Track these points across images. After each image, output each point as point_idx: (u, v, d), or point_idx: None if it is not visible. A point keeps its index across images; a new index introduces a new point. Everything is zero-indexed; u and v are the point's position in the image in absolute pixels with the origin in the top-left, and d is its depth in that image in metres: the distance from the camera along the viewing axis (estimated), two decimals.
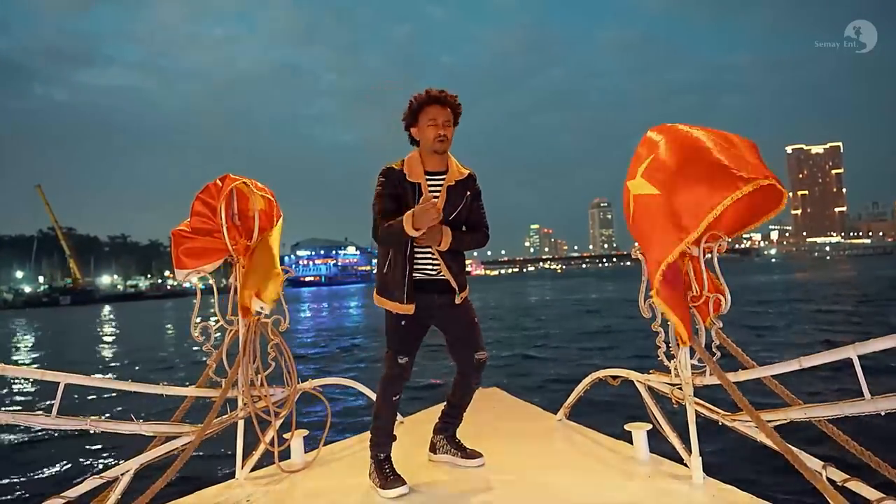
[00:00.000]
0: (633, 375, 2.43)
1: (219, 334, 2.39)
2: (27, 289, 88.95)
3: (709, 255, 1.98)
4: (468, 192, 2.32)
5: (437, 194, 2.26)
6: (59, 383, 1.88)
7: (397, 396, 2.28)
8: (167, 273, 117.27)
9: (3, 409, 1.77)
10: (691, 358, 2.09)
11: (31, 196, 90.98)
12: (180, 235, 2.26)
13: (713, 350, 2.01)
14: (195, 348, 14.04)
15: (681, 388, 2.13)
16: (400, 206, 2.20)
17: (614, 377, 2.56)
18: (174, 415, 2.24)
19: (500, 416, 3.10)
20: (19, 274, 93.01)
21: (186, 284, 2.44)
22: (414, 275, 2.25)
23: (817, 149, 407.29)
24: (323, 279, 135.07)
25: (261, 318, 2.45)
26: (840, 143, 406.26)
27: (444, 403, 2.51)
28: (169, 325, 25.12)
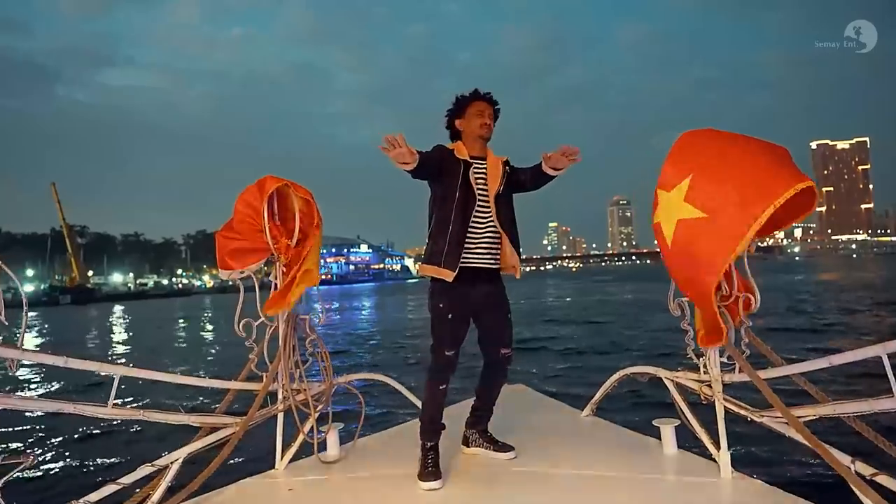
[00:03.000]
0: (661, 372, 2.48)
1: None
2: (28, 287, 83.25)
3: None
4: (506, 169, 2.51)
5: (483, 177, 2.45)
6: (115, 376, 2.00)
7: (444, 386, 2.38)
8: (179, 271, 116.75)
9: (65, 400, 1.88)
10: (720, 356, 2.15)
11: (49, 195, 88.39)
12: (224, 238, 2.36)
13: (742, 348, 2.06)
14: (209, 356, 14.17)
15: (709, 385, 2.18)
16: (434, 163, 2.34)
17: (642, 374, 2.61)
18: (219, 407, 2.35)
19: (528, 413, 3.17)
20: (30, 272, 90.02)
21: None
22: (466, 256, 2.36)
23: (843, 144, 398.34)
24: (334, 277, 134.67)
25: (298, 315, 2.55)
26: (867, 139, 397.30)
27: (474, 398, 2.60)
28: (178, 329, 24.61)
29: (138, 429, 6.06)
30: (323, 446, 2.63)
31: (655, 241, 2.17)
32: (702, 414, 2.33)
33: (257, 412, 2.38)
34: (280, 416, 2.48)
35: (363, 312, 27.49)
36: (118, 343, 19.39)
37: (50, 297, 75.78)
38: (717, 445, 2.15)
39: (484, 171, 2.47)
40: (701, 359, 2.22)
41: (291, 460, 2.52)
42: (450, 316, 2.34)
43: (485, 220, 2.41)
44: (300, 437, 2.52)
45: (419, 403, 2.66)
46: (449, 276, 2.32)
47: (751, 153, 1.93)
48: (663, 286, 2.27)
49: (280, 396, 2.48)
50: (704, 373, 2.21)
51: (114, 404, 1.98)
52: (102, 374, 2.03)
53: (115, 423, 5.76)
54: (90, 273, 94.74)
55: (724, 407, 2.13)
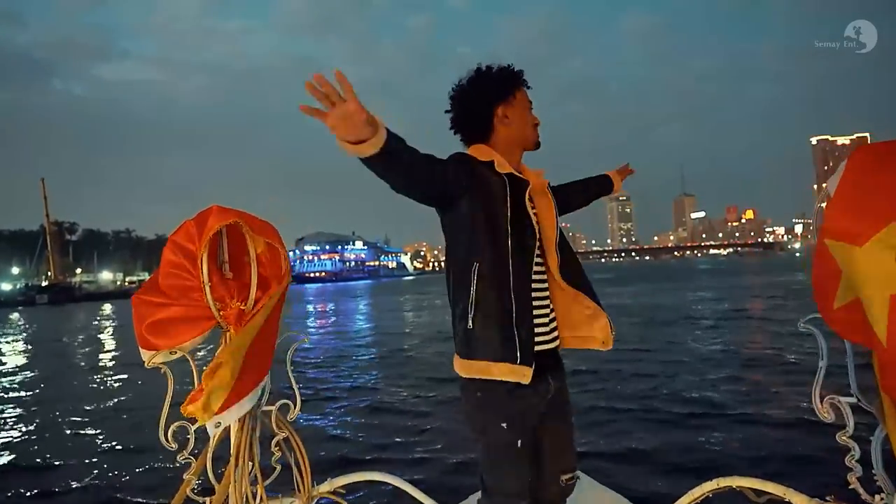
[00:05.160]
0: (792, 496, 1.69)
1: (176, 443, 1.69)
2: (5, 286, 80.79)
3: None
4: (553, 193, 1.67)
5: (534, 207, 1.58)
6: None
7: None
8: None
9: None
10: None
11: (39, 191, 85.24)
12: (144, 303, 1.56)
13: None
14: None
15: None
16: (449, 175, 1.43)
17: (758, 492, 1.82)
18: None
19: None
20: (16, 270, 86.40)
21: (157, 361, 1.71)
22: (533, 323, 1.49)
23: (843, 140, 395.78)
24: (328, 275, 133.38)
25: (260, 407, 1.75)
26: (867, 134, 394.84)
27: None
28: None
29: None
30: None
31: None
32: None
33: None
34: None
35: (358, 318, 25.96)
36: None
37: (26, 296, 73.02)
38: None
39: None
40: (877, 496, 1.44)
41: None
42: (519, 443, 1.45)
43: (542, 274, 1.58)
44: None
45: None
46: (526, 375, 1.42)
47: None
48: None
49: None
50: None
51: None
52: None
53: None
54: (78, 271, 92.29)
55: None
